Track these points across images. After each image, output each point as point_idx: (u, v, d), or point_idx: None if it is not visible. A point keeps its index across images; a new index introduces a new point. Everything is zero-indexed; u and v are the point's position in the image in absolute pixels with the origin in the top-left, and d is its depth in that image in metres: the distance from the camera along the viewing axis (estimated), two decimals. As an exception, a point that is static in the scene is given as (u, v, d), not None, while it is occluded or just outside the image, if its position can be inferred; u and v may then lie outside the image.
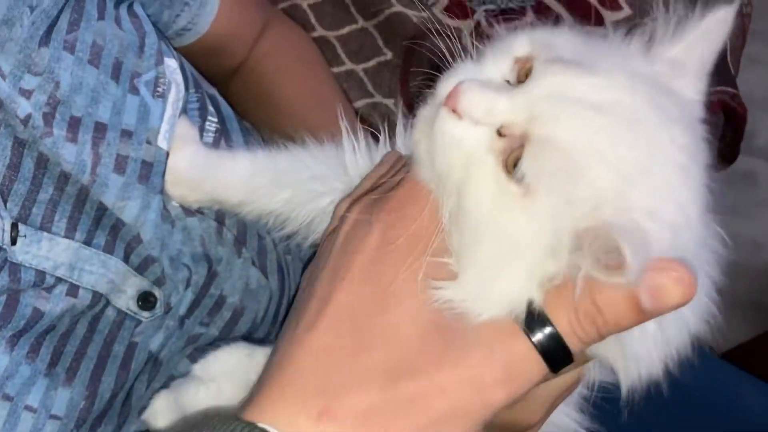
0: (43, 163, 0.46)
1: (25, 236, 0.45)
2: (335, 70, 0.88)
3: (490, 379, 0.34)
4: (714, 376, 0.71)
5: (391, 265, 0.37)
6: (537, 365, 0.35)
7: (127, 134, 0.49)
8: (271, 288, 0.58)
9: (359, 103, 0.87)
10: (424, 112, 0.39)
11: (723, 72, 0.93)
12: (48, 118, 0.46)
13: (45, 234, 0.46)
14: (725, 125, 0.93)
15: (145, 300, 0.51)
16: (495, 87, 0.36)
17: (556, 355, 0.35)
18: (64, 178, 0.47)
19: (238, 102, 0.69)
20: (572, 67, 0.35)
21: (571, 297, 0.34)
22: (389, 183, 0.42)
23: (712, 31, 0.40)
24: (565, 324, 0.35)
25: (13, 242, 0.44)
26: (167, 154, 0.51)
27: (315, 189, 0.49)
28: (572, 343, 0.35)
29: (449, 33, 0.40)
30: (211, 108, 0.58)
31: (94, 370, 0.48)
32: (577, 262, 0.33)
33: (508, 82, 0.37)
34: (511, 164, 0.35)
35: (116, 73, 0.50)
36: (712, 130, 0.88)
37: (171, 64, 0.54)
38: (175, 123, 0.52)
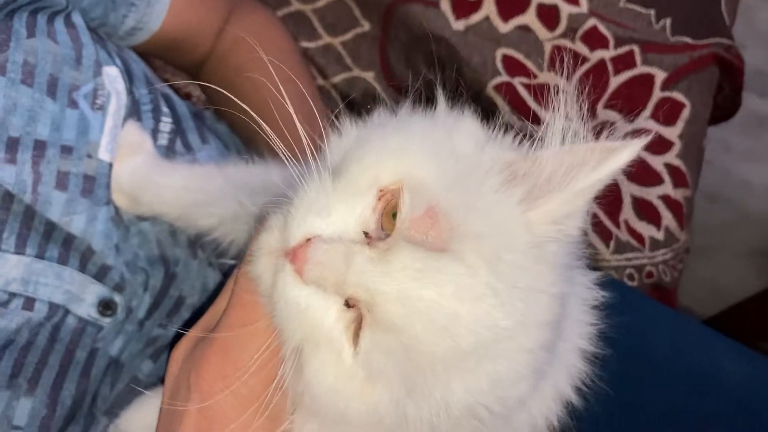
0: None
1: None
2: (312, 44, 0.87)
3: None
4: (695, 341, 0.71)
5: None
6: None
7: (67, 150, 0.49)
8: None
9: (337, 78, 0.86)
10: (268, 240, 0.35)
11: (717, 23, 0.89)
12: None
13: None
14: (721, 78, 0.90)
15: (106, 306, 0.51)
16: (348, 250, 0.32)
17: None
18: (9, 197, 0.47)
19: (210, 92, 0.68)
20: (431, 250, 0.32)
21: None
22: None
23: (596, 158, 0.36)
24: None
25: None
26: (110, 165, 0.51)
27: (245, 211, 0.48)
28: None
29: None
30: (165, 108, 0.58)
31: (56, 378, 0.49)
32: None
33: (365, 233, 0.34)
34: (356, 333, 0.33)
35: (52, 89, 0.49)
36: (704, 88, 0.85)
37: (111, 72, 0.53)
38: (117, 133, 0.52)
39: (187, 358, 0.41)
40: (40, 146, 0.48)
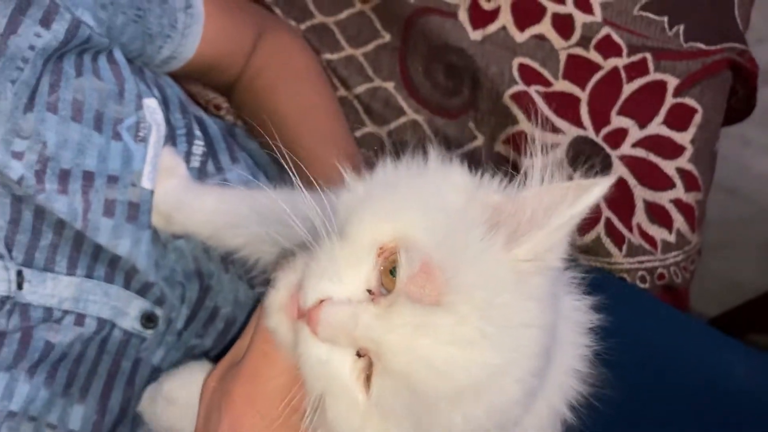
0: (40, 213, 0.51)
1: (30, 281, 0.50)
2: (335, 56, 0.90)
3: None
4: (697, 340, 0.73)
5: None
6: None
7: (113, 179, 0.54)
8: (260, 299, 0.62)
9: (359, 89, 0.89)
10: (277, 299, 0.40)
11: (730, 28, 0.91)
12: (40, 175, 0.50)
13: (49, 274, 0.51)
14: (734, 81, 0.92)
15: (148, 319, 0.56)
16: (355, 310, 0.36)
17: None
18: (61, 224, 0.52)
19: (241, 112, 0.72)
20: (428, 304, 0.36)
21: None
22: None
23: (572, 196, 0.39)
24: None
25: (20, 287, 0.50)
26: (152, 192, 0.55)
27: (269, 236, 0.51)
28: None
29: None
30: (197, 132, 0.62)
31: (104, 387, 0.54)
32: None
33: (369, 291, 0.38)
34: (368, 379, 0.37)
35: (98, 124, 0.54)
36: (716, 94, 0.87)
37: (151, 104, 0.57)
38: (158, 162, 0.56)
39: (218, 386, 0.45)
40: (88, 177, 0.53)
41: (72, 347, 0.52)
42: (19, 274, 0.50)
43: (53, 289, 0.51)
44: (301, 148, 0.57)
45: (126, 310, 0.55)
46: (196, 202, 0.56)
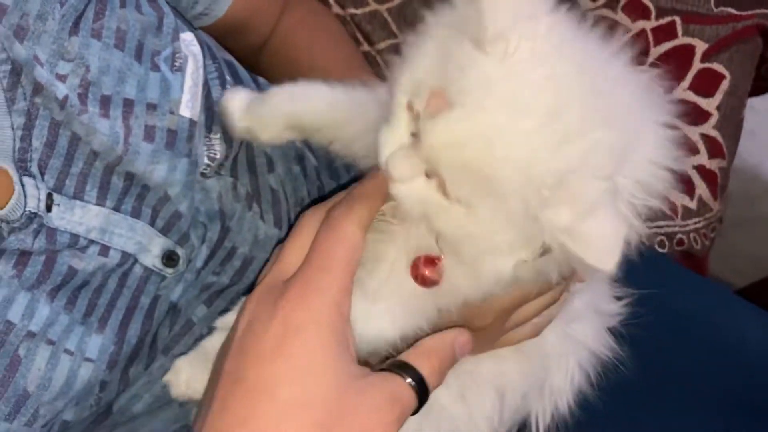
0: (75, 141, 0.51)
1: (59, 204, 0.51)
2: (359, 11, 0.90)
3: (388, 420, 0.42)
4: (715, 304, 0.73)
5: (300, 344, 0.43)
6: (411, 401, 0.44)
7: (152, 107, 0.54)
8: (281, 237, 0.63)
9: (382, 45, 0.89)
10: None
11: (763, -7, 0.90)
12: (82, 98, 0.51)
13: (78, 202, 0.52)
14: (765, 49, 0.90)
15: (169, 258, 0.56)
16: (407, 150, 0.42)
17: (422, 392, 0.45)
18: (93, 155, 0.52)
19: (269, 76, 0.72)
20: (437, 113, 0.40)
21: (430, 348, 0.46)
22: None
23: None
24: (426, 369, 0.45)
25: (48, 209, 0.50)
26: (189, 120, 0.56)
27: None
28: (431, 381, 0.45)
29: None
30: (228, 77, 0.62)
31: (123, 319, 0.55)
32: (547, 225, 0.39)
33: (413, 134, 0.42)
34: (444, 189, 0.42)
35: (139, 54, 0.54)
36: (745, 60, 0.86)
37: (186, 37, 0.57)
38: (196, 92, 0.56)
39: (265, 296, 0.46)
40: (128, 104, 0.53)
41: (94, 276, 0.53)
42: (50, 196, 0.50)
43: (81, 217, 0.52)
44: None
45: (149, 247, 0.55)
46: (312, 92, 0.56)
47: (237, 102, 0.57)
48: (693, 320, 0.73)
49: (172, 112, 0.55)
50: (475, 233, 0.42)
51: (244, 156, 0.62)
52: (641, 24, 0.87)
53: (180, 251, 0.56)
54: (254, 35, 0.71)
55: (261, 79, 0.70)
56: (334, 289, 0.44)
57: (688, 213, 0.84)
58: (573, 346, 0.58)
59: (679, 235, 0.83)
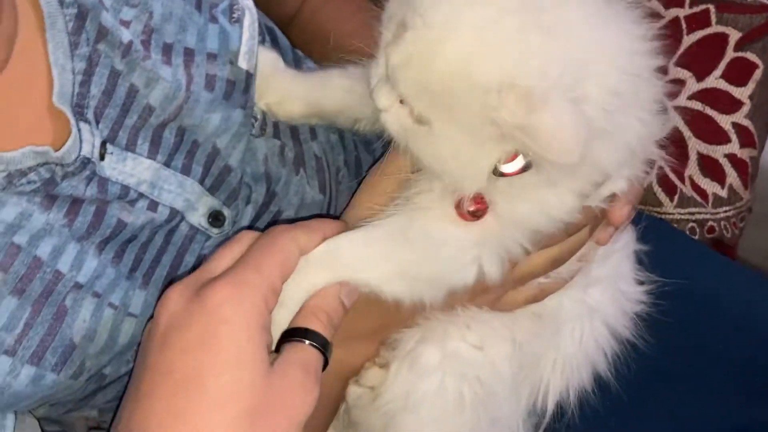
0: (133, 93, 0.51)
1: (112, 154, 0.50)
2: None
3: (309, 388, 0.43)
4: (747, 287, 0.73)
5: (226, 335, 0.42)
6: (319, 359, 0.45)
7: (212, 56, 0.54)
8: (323, 204, 0.63)
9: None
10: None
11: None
12: (145, 45, 0.51)
13: (129, 154, 0.51)
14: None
15: (215, 218, 0.56)
16: (384, 80, 0.45)
17: (323, 346, 0.45)
18: (149, 109, 0.52)
19: (299, 46, 0.72)
20: (396, 40, 0.42)
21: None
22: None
23: None
24: (318, 326, 0.46)
25: (102, 158, 0.50)
26: (246, 72, 0.56)
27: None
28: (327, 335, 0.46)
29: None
30: (268, 40, 0.62)
31: (167, 276, 0.54)
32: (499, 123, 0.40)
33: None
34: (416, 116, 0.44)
35: (198, 4, 0.55)
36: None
37: None
38: (253, 44, 0.56)
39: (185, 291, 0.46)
40: (189, 53, 0.54)
41: (142, 231, 0.53)
42: (103, 145, 0.50)
43: (133, 168, 0.52)
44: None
45: (196, 205, 0.55)
46: (328, 80, 0.58)
47: (268, 66, 0.58)
48: (722, 302, 0.72)
49: (231, 63, 0.55)
50: (441, 150, 0.43)
51: (287, 123, 0.62)
52: (675, 11, 0.87)
53: (226, 211, 0.56)
54: (288, 5, 0.71)
55: (299, 52, 0.70)
56: (264, 286, 0.44)
57: (719, 201, 0.84)
58: (588, 312, 0.57)
59: (710, 223, 0.83)
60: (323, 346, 0.45)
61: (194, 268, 0.55)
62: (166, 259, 0.54)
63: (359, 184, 0.56)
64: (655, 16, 0.86)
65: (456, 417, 0.53)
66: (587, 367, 0.57)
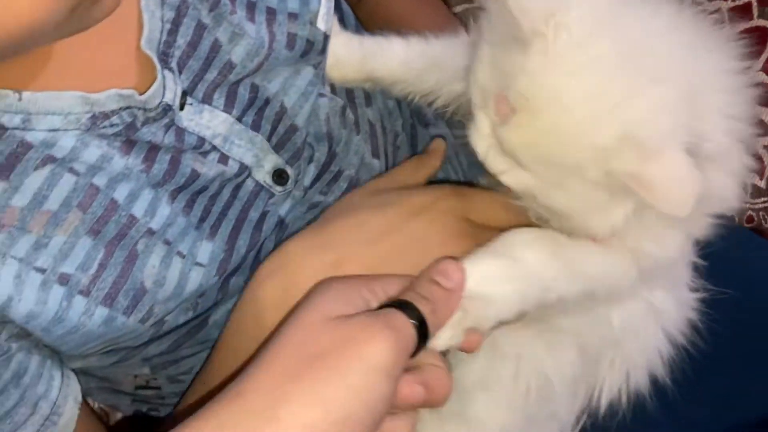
0: (216, 48, 0.52)
1: (191, 104, 0.51)
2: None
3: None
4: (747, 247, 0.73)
5: None
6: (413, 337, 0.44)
7: (293, 16, 0.55)
8: (381, 167, 0.63)
9: (458, 8, 0.89)
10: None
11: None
12: (231, 1, 0.52)
13: (207, 106, 0.52)
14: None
15: (279, 176, 0.56)
16: (495, 149, 0.46)
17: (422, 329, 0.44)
18: (230, 66, 0.52)
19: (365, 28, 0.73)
20: (505, 120, 0.43)
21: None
22: None
23: None
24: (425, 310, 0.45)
25: (181, 108, 0.50)
26: (324, 34, 0.56)
27: (459, 75, 0.52)
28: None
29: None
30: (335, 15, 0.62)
31: (232, 230, 0.54)
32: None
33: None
34: None
35: None
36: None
37: None
38: (330, 6, 0.57)
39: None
40: (271, 12, 0.54)
41: (212, 183, 0.53)
42: (184, 95, 0.50)
43: (209, 120, 0.52)
44: None
45: (262, 162, 0.55)
46: (386, 48, 0.57)
47: (341, 45, 0.58)
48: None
49: (311, 23, 0.55)
50: (576, 205, 0.44)
51: (343, 87, 0.62)
52: (717, 3, 0.88)
53: (289, 170, 0.57)
54: None
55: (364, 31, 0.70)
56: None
57: (757, 192, 0.84)
58: (652, 313, 0.56)
59: (749, 212, 0.83)
60: (422, 333, 0.44)
61: (259, 223, 0.55)
62: (232, 213, 0.54)
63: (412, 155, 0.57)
64: (697, 4, 0.87)
65: (522, 405, 0.54)
66: (644, 369, 0.57)
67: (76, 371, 0.57)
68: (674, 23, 0.43)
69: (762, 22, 0.87)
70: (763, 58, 0.87)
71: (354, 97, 0.63)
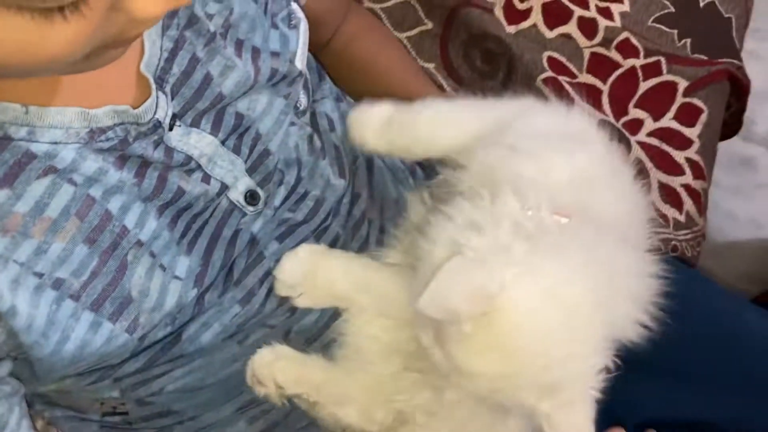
0: (208, 80, 0.57)
1: (179, 126, 0.56)
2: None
3: None
4: (719, 299, 0.81)
5: None
6: None
7: (275, 54, 0.62)
8: (345, 186, 0.68)
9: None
10: None
11: (729, 46, 1.03)
12: (222, 37, 0.58)
13: (194, 129, 0.57)
14: (731, 95, 1.03)
15: (252, 197, 0.61)
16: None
17: None
18: (220, 97, 0.58)
19: (332, 73, 0.79)
20: None
21: None
22: None
23: None
24: None
25: (170, 128, 0.55)
26: (300, 72, 0.63)
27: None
28: None
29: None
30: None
31: (207, 246, 0.58)
32: None
33: None
34: None
35: (265, 10, 0.62)
36: (718, 98, 0.98)
37: (295, 7, 0.65)
38: (306, 48, 0.64)
39: None
40: (256, 50, 0.60)
41: (197, 201, 0.56)
42: (173, 117, 0.54)
43: (197, 141, 0.57)
44: (413, 93, 0.64)
45: (237, 183, 0.59)
46: (413, 118, 0.56)
47: (376, 117, 0.57)
48: (697, 312, 0.79)
49: (291, 62, 0.62)
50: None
51: (308, 115, 0.68)
52: (631, 61, 0.99)
53: (260, 192, 0.61)
54: (321, 32, 0.78)
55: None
56: None
57: (678, 225, 0.93)
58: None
59: (674, 242, 0.92)
60: None
61: (232, 240, 0.59)
62: (207, 230, 0.58)
63: None
64: (615, 65, 0.98)
65: None
66: None
67: (39, 402, 0.58)
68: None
69: (671, 77, 0.98)
70: (673, 108, 0.97)
71: (318, 125, 0.68)
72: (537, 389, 0.45)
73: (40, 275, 0.49)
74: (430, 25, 0.99)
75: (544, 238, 0.46)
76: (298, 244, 0.59)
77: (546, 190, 0.48)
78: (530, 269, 0.45)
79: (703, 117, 0.98)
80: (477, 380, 0.46)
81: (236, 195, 0.60)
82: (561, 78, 0.97)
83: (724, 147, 1.57)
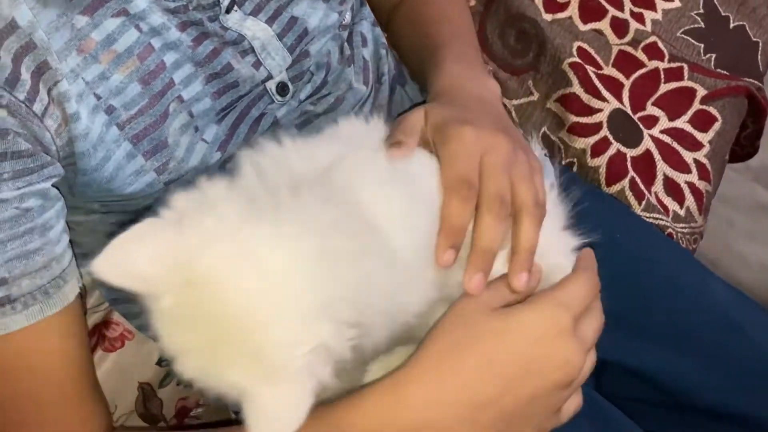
0: None
1: (236, 11, 0.61)
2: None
3: None
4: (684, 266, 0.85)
5: None
6: None
7: None
8: (365, 94, 0.73)
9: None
10: None
11: (752, 68, 1.09)
12: None
13: (251, 17, 0.63)
14: (748, 115, 1.07)
15: (282, 89, 0.67)
16: None
17: None
18: None
19: (395, 38, 0.84)
20: None
21: None
22: None
23: None
24: None
25: (227, 11, 0.61)
26: None
27: None
28: None
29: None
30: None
31: (236, 119, 0.64)
32: None
33: None
34: None
35: None
36: (734, 112, 1.02)
37: None
38: None
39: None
40: None
41: (243, 83, 0.62)
42: (232, 2, 0.61)
43: (252, 26, 0.62)
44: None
45: (278, 76, 0.66)
46: None
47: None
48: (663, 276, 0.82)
49: None
50: None
51: (347, 33, 0.74)
52: (656, 63, 1.04)
53: (291, 86, 0.67)
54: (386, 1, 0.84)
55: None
56: None
57: (677, 218, 0.97)
58: None
59: (669, 230, 0.96)
60: None
61: (257, 119, 0.65)
62: (238, 108, 0.64)
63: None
64: (640, 64, 1.04)
65: None
66: None
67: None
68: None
69: (690, 84, 1.03)
70: (690, 112, 1.02)
71: (352, 40, 0.75)
72: (244, 367, 0.41)
73: (99, 97, 0.55)
74: (473, 2, 1.06)
75: (264, 206, 0.45)
76: (316, 132, 0.66)
77: (287, 169, 0.49)
78: (234, 234, 0.43)
79: (717, 125, 1.03)
80: (184, 360, 0.43)
81: (271, 84, 0.66)
82: (587, 67, 1.02)
83: (746, 190, 1.62)
